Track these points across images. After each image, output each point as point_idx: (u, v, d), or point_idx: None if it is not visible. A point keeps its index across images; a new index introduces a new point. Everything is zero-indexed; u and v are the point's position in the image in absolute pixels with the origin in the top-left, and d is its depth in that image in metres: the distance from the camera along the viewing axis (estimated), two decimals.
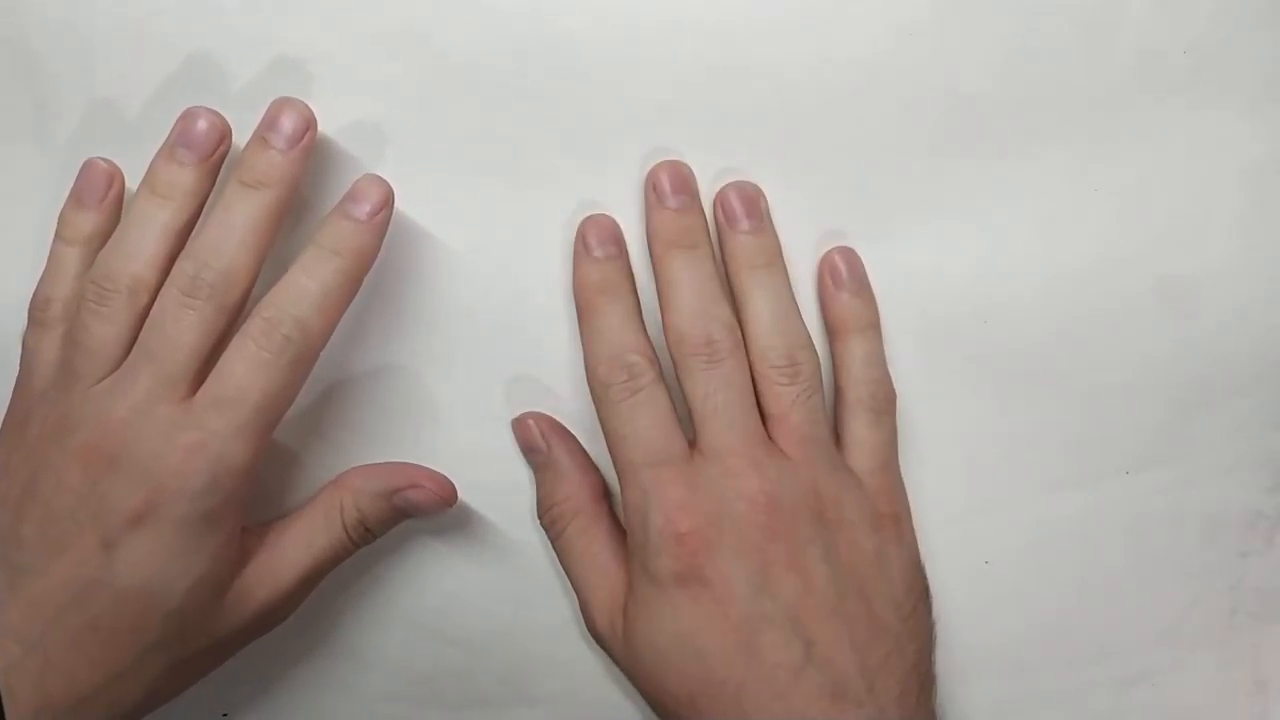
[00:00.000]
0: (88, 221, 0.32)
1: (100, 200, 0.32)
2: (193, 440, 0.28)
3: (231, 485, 0.29)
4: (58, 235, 0.32)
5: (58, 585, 0.28)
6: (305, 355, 0.30)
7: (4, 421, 0.31)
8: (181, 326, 0.29)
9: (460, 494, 0.35)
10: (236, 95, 0.32)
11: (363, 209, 0.30)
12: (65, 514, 0.29)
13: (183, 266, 0.29)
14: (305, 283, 0.30)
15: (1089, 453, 0.35)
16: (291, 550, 0.32)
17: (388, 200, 0.31)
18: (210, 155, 0.31)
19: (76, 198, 0.32)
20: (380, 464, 0.34)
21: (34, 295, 0.32)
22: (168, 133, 0.31)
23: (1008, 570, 0.35)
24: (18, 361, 0.32)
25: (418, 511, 0.33)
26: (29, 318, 0.32)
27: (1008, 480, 0.35)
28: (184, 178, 0.30)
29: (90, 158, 0.32)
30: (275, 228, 0.30)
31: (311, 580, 0.33)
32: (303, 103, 0.31)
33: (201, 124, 0.30)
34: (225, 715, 0.37)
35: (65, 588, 0.28)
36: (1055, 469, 0.35)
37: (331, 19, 0.31)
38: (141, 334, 0.30)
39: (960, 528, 0.35)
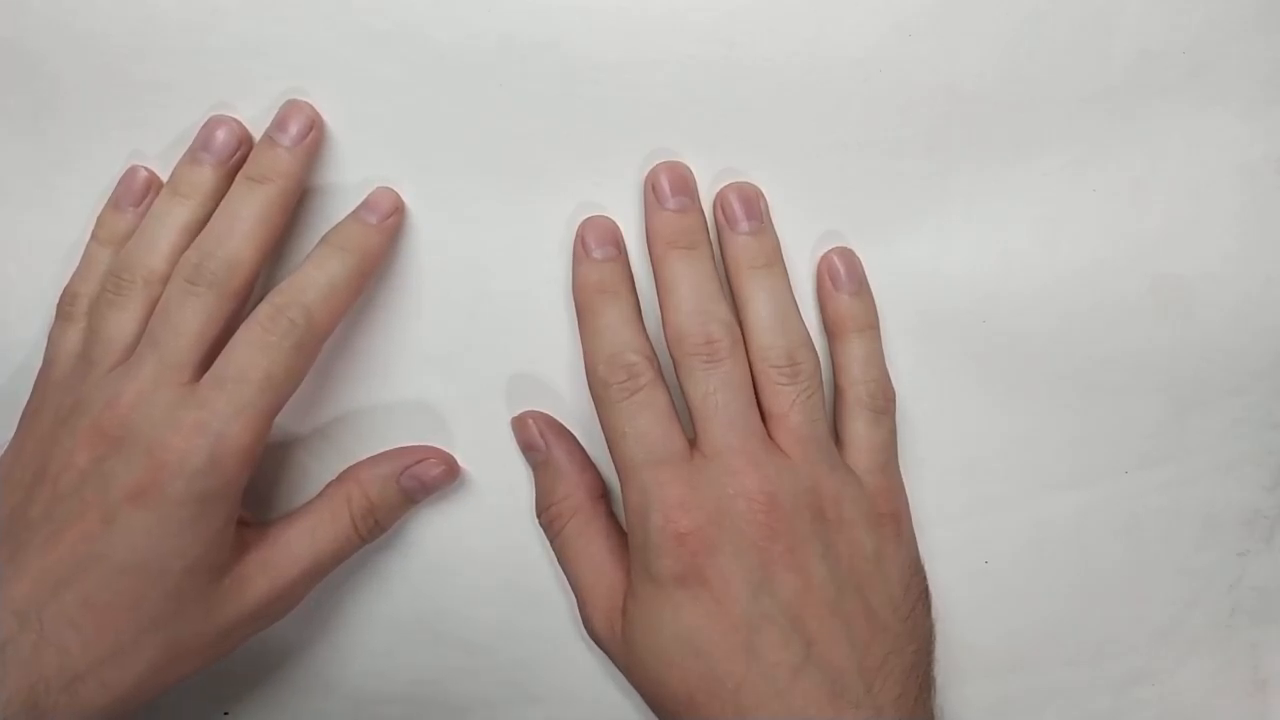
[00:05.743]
0: (121, 223, 0.33)
1: (136, 205, 0.33)
2: (194, 419, 0.29)
3: (231, 466, 0.29)
4: (93, 235, 0.33)
5: (58, 561, 0.28)
6: (308, 342, 0.30)
7: (23, 410, 0.32)
8: (185, 313, 0.30)
9: (460, 493, 0.35)
10: (234, 96, 0.32)
11: (374, 214, 0.32)
12: (71, 493, 0.29)
13: (188, 256, 0.30)
14: (314, 273, 0.31)
15: (1088, 452, 0.35)
16: (295, 542, 0.32)
17: (398, 209, 0.32)
18: (229, 159, 0.32)
19: (114, 201, 0.33)
20: (382, 452, 0.34)
21: (63, 291, 0.33)
22: (167, 132, 0.32)
23: (1008, 570, 0.35)
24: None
25: (424, 489, 0.34)
26: (57, 312, 0.33)
27: (1008, 480, 0.35)
28: (203, 179, 0.32)
29: (133, 164, 0.33)
30: (279, 220, 0.31)
31: (313, 575, 0.33)
32: (310, 105, 0.32)
33: (223, 130, 0.32)
34: (226, 714, 0.37)
35: (65, 563, 0.28)
36: (1055, 469, 0.35)
37: (331, 19, 0.32)
38: (150, 322, 0.30)
39: (960, 528, 0.35)
